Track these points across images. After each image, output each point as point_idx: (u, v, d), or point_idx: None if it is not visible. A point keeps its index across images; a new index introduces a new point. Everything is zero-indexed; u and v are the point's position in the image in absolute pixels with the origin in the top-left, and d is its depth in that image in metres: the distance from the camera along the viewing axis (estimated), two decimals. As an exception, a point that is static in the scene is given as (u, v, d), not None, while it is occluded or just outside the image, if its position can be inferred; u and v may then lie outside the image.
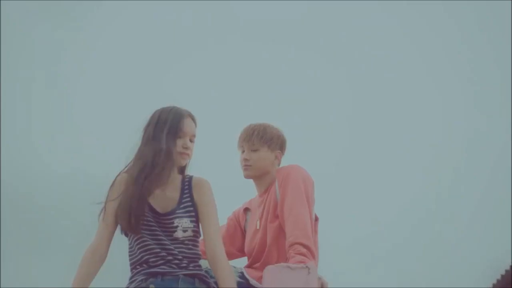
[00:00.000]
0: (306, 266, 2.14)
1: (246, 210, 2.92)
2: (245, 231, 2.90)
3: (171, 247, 2.26)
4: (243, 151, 2.84)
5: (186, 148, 2.37)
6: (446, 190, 10.12)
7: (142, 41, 9.35)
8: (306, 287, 2.09)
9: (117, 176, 2.38)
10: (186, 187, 2.36)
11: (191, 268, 2.26)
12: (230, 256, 2.82)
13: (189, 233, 2.29)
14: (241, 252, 2.89)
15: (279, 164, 2.88)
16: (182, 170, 2.46)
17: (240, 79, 9.58)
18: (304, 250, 2.37)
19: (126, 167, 2.39)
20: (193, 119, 2.45)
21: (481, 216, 9.77)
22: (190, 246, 2.30)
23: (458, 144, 10.29)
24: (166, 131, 2.33)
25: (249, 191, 2.92)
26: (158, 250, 2.25)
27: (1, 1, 8.42)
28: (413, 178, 10.14)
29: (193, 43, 9.47)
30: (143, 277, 2.24)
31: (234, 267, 2.64)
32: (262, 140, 2.80)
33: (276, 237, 2.61)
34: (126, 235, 2.35)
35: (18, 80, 8.95)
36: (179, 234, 2.28)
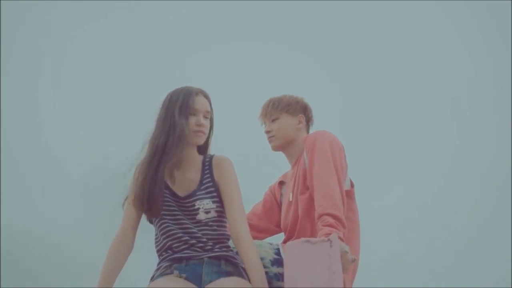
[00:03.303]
0: (328, 239, 1.97)
1: (281, 183, 2.79)
2: (281, 205, 2.75)
3: (195, 230, 2.20)
4: (265, 126, 2.75)
5: (200, 125, 2.27)
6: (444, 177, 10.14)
7: (146, 40, 9.35)
8: (329, 262, 1.93)
9: (137, 166, 2.31)
10: (207, 167, 2.29)
11: (216, 250, 2.20)
12: (268, 232, 2.77)
13: (212, 214, 2.23)
14: (279, 228, 2.74)
15: (307, 130, 2.76)
16: (203, 150, 2.38)
17: (241, 79, 9.58)
18: (332, 221, 2.22)
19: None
20: (205, 95, 2.35)
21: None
22: (215, 227, 2.23)
23: (452, 144, 10.33)
24: (177, 110, 2.26)
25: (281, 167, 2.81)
26: (181, 234, 2.20)
27: (1, 1, 8.42)
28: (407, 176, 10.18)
29: (195, 43, 9.46)
30: (167, 264, 2.19)
31: (270, 244, 2.51)
32: (279, 108, 2.69)
33: (307, 209, 2.46)
34: (151, 222, 2.29)
35: (23, 78, 8.93)
36: (201, 216, 2.22)
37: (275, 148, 2.73)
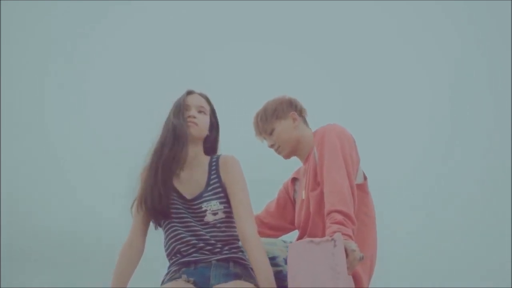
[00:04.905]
0: (332, 239, 1.91)
1: (294, 180, 2.71)
2: (295, 202, 2.68)
3: (203, 232, 2.18)
4: (266, 141, 2.69)
5: (189, 116, 2.27)
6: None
7: (147, 41, 9.36)
8: (332, 262, 1.87)
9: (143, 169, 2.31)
10: (214, 167, 2.27)
11: (225, 251, 2.18)
12: (282, 230, 2.71)
13: (220, 215, 2.20)
14: (294, 225, 2.66)
15: (305, 122, 2.67)
16: (211, 151, 2.38)
17: (241, 79, 9.58)
18: (340, 218, 2.12)
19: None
20: (199, 94, 2.38)
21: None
22: (223, 229, 2.20)
23: (450, 147, 10.34)
24: (172, 112, 2.29)
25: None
26: (189, 238, 2.17)
27: (1, 1, 8.42)
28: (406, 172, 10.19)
29: (195, 43, 9.46)
30: (176, 268, 2.18)
31: (284, 242, 2.49)
32: (268, 120, 2.61)
33: (318, 206, 2.35)
34: (160, 225, 2.27)
35: (23, 78, 8.94)
36: (209, 218, 2.19)
37: (287, 156, 2.65)
